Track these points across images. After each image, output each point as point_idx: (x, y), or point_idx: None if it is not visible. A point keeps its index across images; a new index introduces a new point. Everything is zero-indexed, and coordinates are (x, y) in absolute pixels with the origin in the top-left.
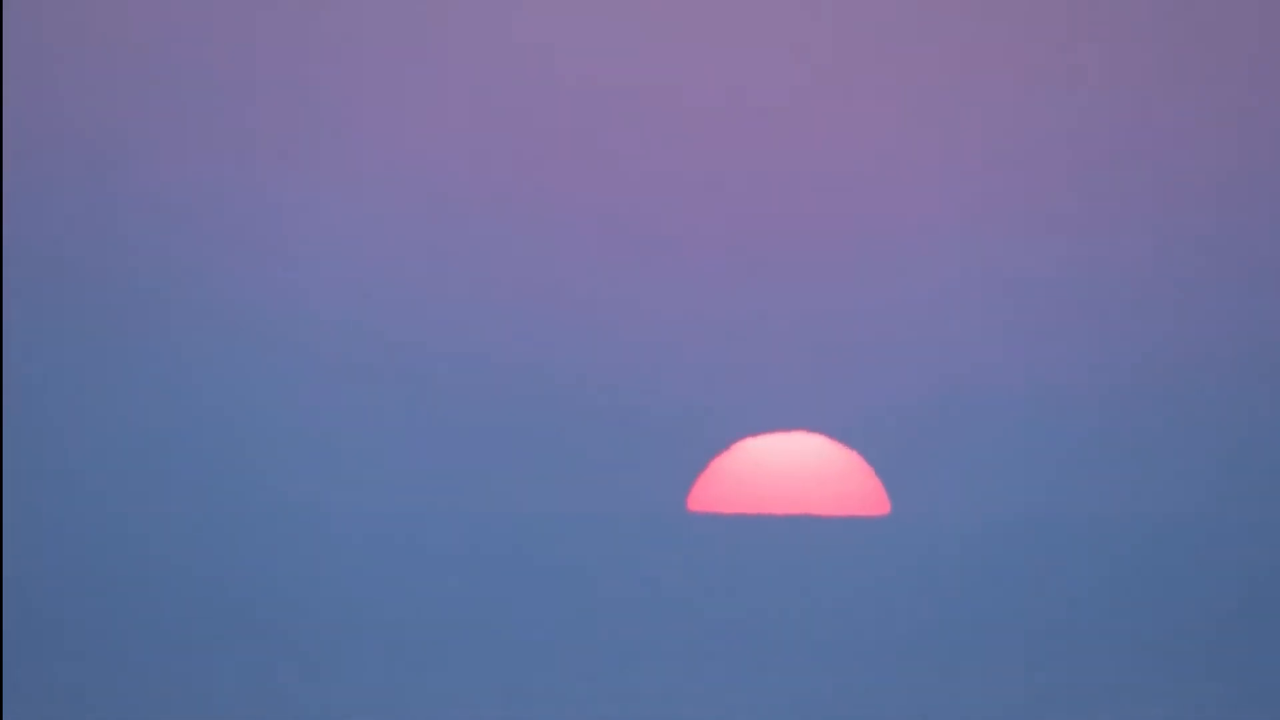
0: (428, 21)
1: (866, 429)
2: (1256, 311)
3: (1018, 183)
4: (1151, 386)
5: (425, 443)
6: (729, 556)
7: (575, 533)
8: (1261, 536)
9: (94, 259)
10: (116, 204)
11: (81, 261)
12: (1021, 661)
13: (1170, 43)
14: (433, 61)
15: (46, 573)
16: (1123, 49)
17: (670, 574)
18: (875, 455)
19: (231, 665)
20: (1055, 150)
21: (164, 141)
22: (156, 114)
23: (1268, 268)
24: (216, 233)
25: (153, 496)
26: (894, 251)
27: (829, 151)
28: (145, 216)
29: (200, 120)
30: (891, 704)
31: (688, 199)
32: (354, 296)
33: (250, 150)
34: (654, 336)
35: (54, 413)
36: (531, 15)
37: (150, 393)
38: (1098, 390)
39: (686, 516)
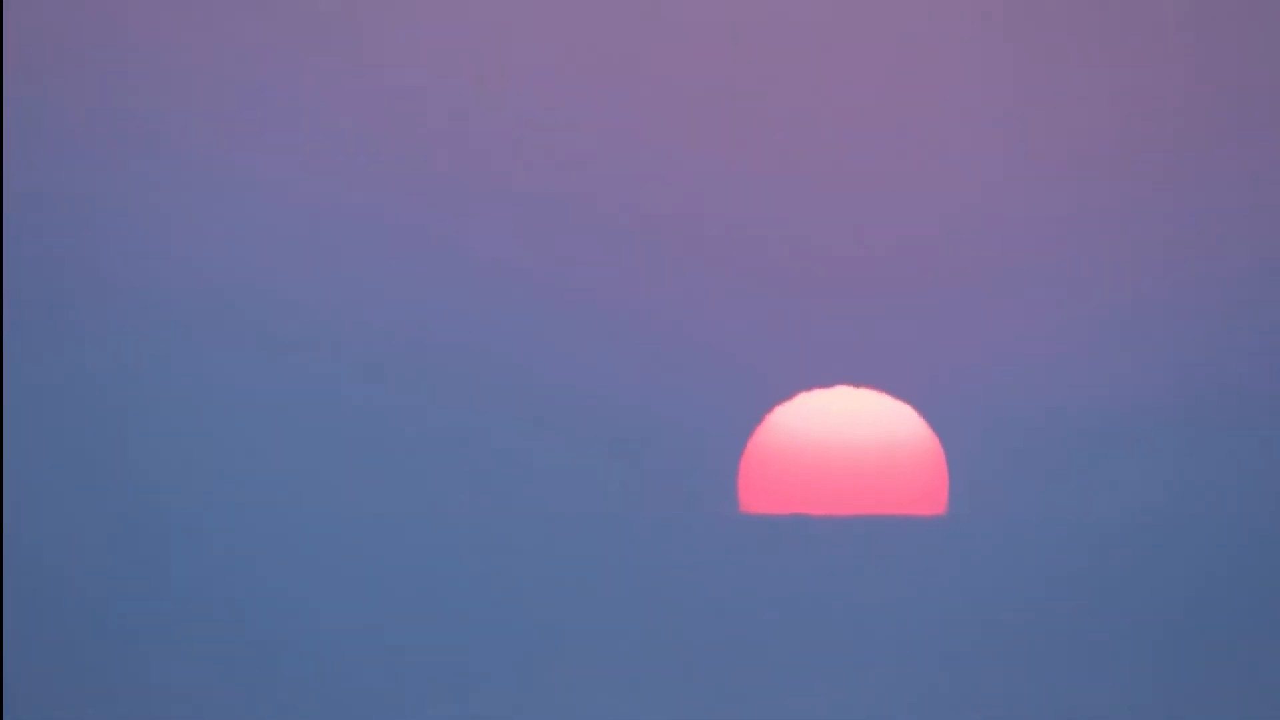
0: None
1: (949, 413)
2: None
3: (1140, 184)
4: (1242, 402)
5: (461, 451)
6: (786, 561)
7: (626, 538)
8: None
9: (92, 255)
10: (112, 200)
11: (80, 257)
12: (1084, 674)
13: None
14: (431, 56)
15: (46, 573)
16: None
17: (726, 579)
18: (947, 443)
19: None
20: (1176, 153)
21: (163, 135)
22: (158, 110)
23: None
24: (215, 231)
25: (154, 494)
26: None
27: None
28: (141, 212)
29: (200, 117)
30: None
31: (750, 186)
32: (392, 303)
33: (253, 147)
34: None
35: (53, 410)
36: (527, 9)
37: (150, 391)
38: (1191, 402)
39: (740, 519)
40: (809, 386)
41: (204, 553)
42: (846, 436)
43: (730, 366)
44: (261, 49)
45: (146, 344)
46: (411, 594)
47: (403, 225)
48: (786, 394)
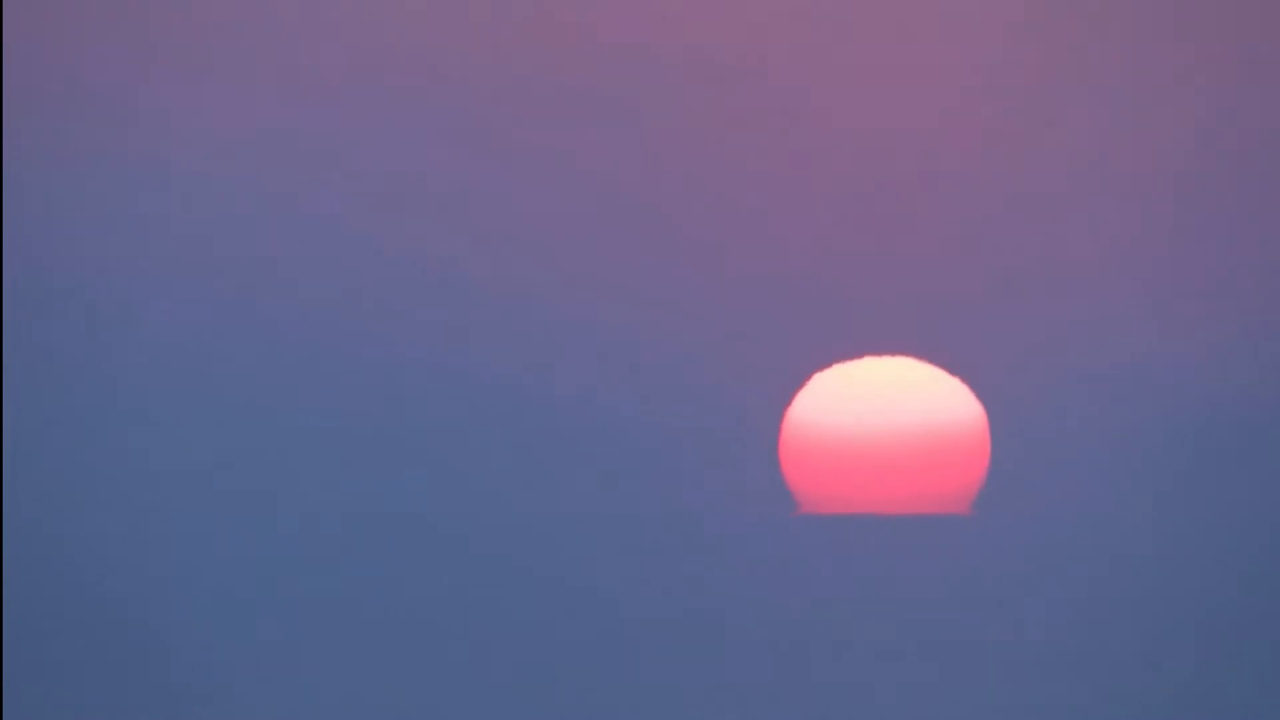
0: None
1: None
2: None
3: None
4: None
5: (512, 453)
6: (849, 562)
7: (681, 538)
8: None
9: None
10: (114, 197)
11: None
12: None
13: None
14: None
15: (47, 573)
16: None
17: (782, 581)
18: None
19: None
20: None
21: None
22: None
23: None
24: (215, 230)
25: (153, 494)
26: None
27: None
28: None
29: (200, 117)
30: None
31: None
32: (411, 305)
33: (254, 147)
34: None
35: (54, 410)
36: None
37: (148, 391)
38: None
39: (798, 520)
40: (830, 363)
41: (204, 553)
42: (888, 415)
43: (759, 348)
44: (261, 50)
45: (147, 343)
46: (454, 599)
47: (422, 223)
48: (805, 376)
